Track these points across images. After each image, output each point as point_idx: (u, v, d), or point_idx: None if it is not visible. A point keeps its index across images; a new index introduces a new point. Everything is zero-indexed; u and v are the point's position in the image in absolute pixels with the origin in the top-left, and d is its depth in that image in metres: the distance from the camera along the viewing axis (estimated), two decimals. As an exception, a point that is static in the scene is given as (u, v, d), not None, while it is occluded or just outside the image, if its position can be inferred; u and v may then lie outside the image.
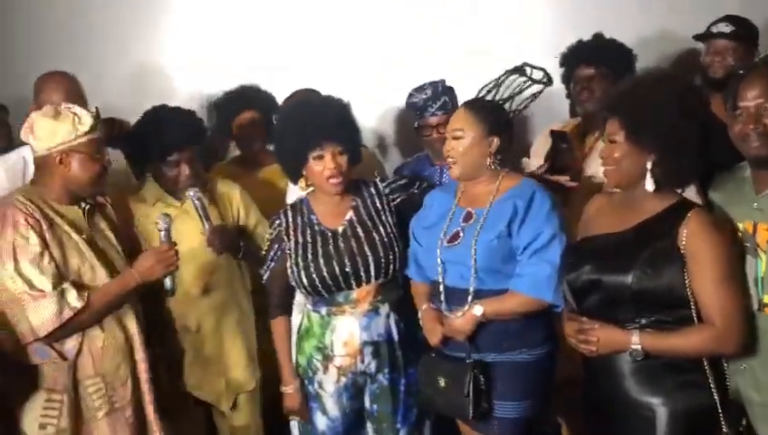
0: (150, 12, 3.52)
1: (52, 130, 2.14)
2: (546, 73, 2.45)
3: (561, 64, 2.89)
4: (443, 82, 2.86)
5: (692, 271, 1.79)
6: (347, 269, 2.25)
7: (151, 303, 2.47)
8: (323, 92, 2.91)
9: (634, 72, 2.67)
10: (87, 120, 2.19)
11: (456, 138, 2.19)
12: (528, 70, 2.45)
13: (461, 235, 2.19)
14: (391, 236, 2.31)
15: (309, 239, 2.32)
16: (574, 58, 2.84)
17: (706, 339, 1.80)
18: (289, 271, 2.31)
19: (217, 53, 3.50)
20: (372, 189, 2.40)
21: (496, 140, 2.18)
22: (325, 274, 2.25)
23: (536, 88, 2.45)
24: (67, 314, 2.10)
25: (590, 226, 2.04)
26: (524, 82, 2.41)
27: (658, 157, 1.82)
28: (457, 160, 2.19)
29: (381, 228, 2.31)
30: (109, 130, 3.04)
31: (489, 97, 2.44)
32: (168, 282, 2.33)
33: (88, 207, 2.30)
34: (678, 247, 1.81)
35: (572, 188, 2.39)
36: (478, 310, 2.12)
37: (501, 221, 2.14)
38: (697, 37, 2.93)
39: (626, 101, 1.86)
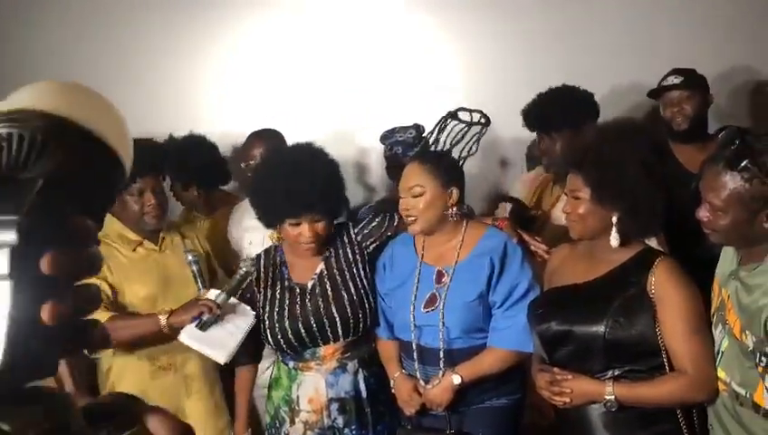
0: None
1: None
2: (483, 115, 2.35)
3: (524, 123, 2.80)
4: (416, 126, 2.87)
5: (662, 318, 1.79)
6: (313, 329, 2.18)
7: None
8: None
9: (597, 116, 2.64)
10: None
11: (415, 195, 2.12)
12: (464, 114, 2.36)
13: (438, 298, 2.13)
14: (362, 292, 2.23)
15: (278, 295, 2.24)
16: (532, 123, 2.74)
17: (680, 387, 1.78)
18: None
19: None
20: (345, 237, 2.31)
21: (455, 191, 2.15)
22: (290, 334, 2.18)
23: (476, 129, 2.34)
24: None
25: (556, 277, 2.03)
26: (463, 128, 2.32)
27: (623, 213, 1.83)
28: (418, 217, 2.13)
29: (351, 284, 2.23)
30: None
31: (433, 147, 2.36)
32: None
33: None
34: (648, 295, 1.81)
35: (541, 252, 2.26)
36: (457, 379, 2.07)
37: (479, 280, 2.09)
38: (651, 94, 2.90)
39: (589, 160, 1.86)
